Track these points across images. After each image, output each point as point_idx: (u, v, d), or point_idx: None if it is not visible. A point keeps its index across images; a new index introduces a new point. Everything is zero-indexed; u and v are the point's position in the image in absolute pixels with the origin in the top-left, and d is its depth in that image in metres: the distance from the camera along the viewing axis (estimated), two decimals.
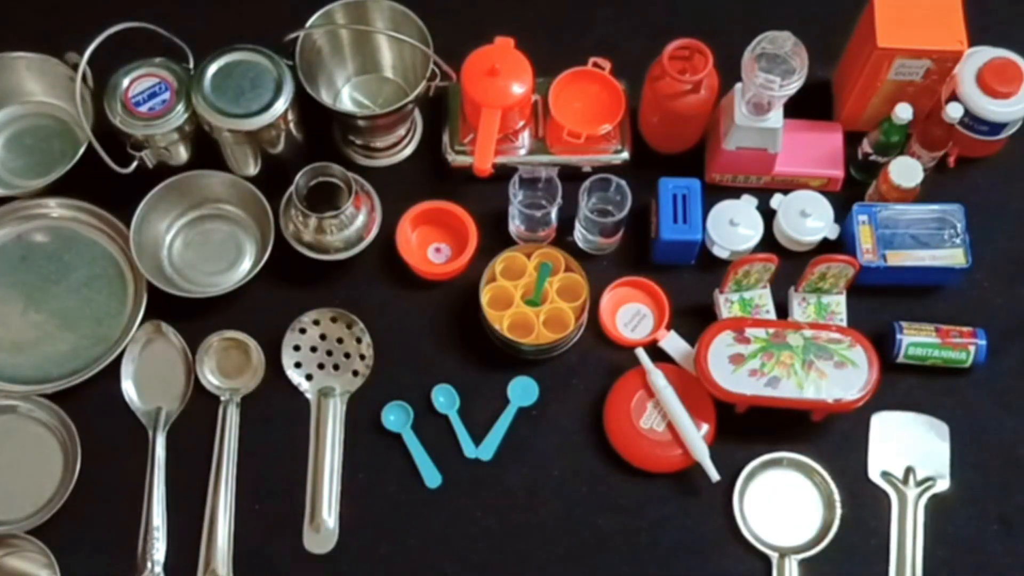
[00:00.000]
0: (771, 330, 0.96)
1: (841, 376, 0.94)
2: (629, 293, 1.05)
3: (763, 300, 1.02)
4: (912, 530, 0.96)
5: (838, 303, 1.02)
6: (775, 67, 0.95)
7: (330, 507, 0.97)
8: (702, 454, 0.95)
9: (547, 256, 1.02)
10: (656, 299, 1.04)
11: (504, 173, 1.03)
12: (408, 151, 1.11)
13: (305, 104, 1.03)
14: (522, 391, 1.01)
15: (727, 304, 1.01)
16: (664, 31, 1.02)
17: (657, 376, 0.97)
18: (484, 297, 1.00)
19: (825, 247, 1.05)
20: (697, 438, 0.95)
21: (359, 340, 1.02)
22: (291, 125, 1.03)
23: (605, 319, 1.03)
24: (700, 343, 0.96)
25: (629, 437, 0.96)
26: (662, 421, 0.96)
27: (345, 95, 1.11)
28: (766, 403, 0.94)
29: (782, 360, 0.95)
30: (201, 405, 1.01)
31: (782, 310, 1.03)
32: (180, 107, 1.00)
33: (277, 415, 1.01)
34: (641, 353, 0.98)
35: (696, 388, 0.97)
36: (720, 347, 0.95)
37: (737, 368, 0.95)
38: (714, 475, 0.94)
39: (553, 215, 1.02)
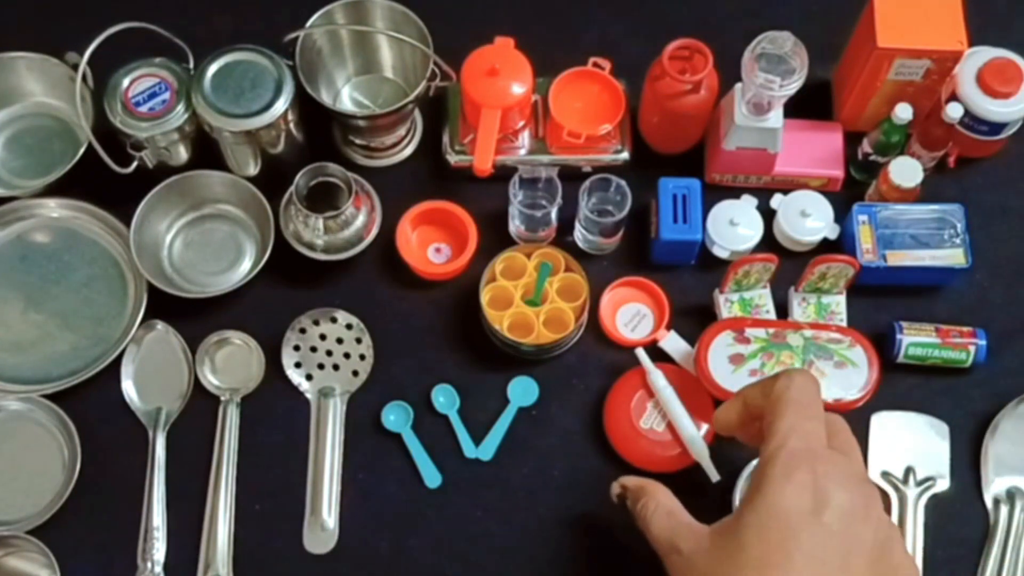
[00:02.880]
0: (771, 330, 0.96)
1: (841, 376, 0.94)
2: (629, 293, 1.05)
3: (763, 300, 1.02)
4: (912, 530, 0.96)
5: (838, 303, 1.02)
6: (775, 67, 0.95)
7: (330, 507, 0.97)
8: (702, 454, 0.95)
9: (547, 256, 1.02)
10: (656, 299, 1.04)
11: (504, 173, 1.03)
12: (408, 151, 1.11)
13: (305, 104, 1.03)
14: (522, 391, 1.01)
15: (727, 304, 1.01)
16: (664, 31, 1.02)
17: (657, 376, 0.97)
18: (484, 297, 1.00)
19: (825, 247, 1.05)
20: (697, 438, 0.95)
21: (359, 340, 1.02)
22: (291, 125, 1.03)
23: (605, 319, 1.03)
24: (700, 343, 0.96)
25: (629, 437, 0.96)
26: (662, 421, 0.96)
27: (345, 95, 1.11)
28: None
29: (782, 360, 0.95)
30: (201, 405, 1.01)
31: (782, 310, 1.03)
32: (180, 107, 1.00)
33: (277, 415, 1.01)
34: (641, 353, 0.98)
35: (696, 388, 0.97)
36: (720, 347, 0.95)
37: (737, 368, 0.95)
38: (714, 475, 0.94)
39: (553, 215, 1.02)
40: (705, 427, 0.96)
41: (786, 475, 0.69)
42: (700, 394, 0.96)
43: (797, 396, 0.73)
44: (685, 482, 0.97)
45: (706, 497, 0.97)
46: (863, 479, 0.72)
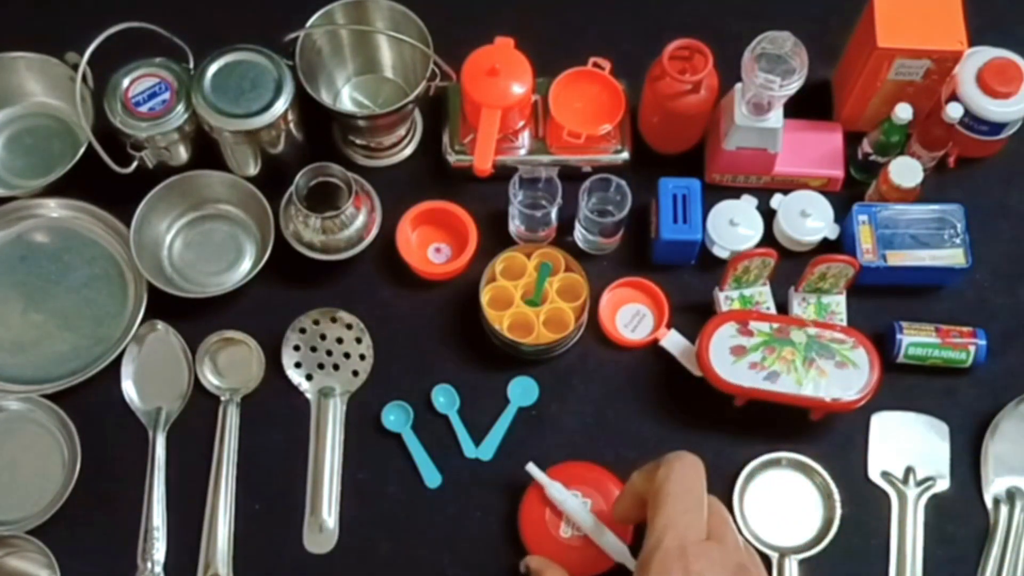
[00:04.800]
0: (775, 325, 0.96)
1: (841, 376, 0.94)
2: (629, 293, 1.05)
3: (763, 297, 1.02)
4: (912, 530, 0.96)
5: (838, 303, 1.02)
6: (775, 67, 0.95)
7: (330, 507, 0.97)
8: (624, 554, 0.90)
9: (547, 256, 1.02)
10: (656, 299, 1.04)
11: (504, 173, 1.03)
12: (408, 151, 1.11)
13: (305, 104, 1.03)
14: (522, 391, 1.01)
15: (727, 302, 1.01)
16: (664, 31, 1.02)
17: (555, 488, 0.93)
18: (484, 297, 1.00)
19: (825, 247, 1.05)
20: (613, 541, 0.91)
21: (359, 340, 1.02)
22: (291, 125, 1.03)
23: (605, 319, 1.03)
24: (703, 332, 0.96)
25: (554, 552, 0.92)
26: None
27: (345, 95, 1.11)
28: (763, 396, 0.94)
29: (783, 355, 0.94)
30: (201, 405, 1.01)
31: (783, 310, 1.03)
32: (180, 107, 1.00)
33: (277, 415, 1.01)
34: (532, 468, 0.94)
35: (598, 477, 0.94)
36: (723, 337, 0.95)
37: (738, 360, 0.94)
38: None
39: (553, 215, 1.02)
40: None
41: None
42: (607, 484, 0.93)
43: (674, 488, 0.73)
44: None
45: None
46: (738, 566, 0.71)
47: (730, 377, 0.94)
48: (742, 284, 1.01)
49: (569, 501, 0.93)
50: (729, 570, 0.70)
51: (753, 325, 0.96)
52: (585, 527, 0.92)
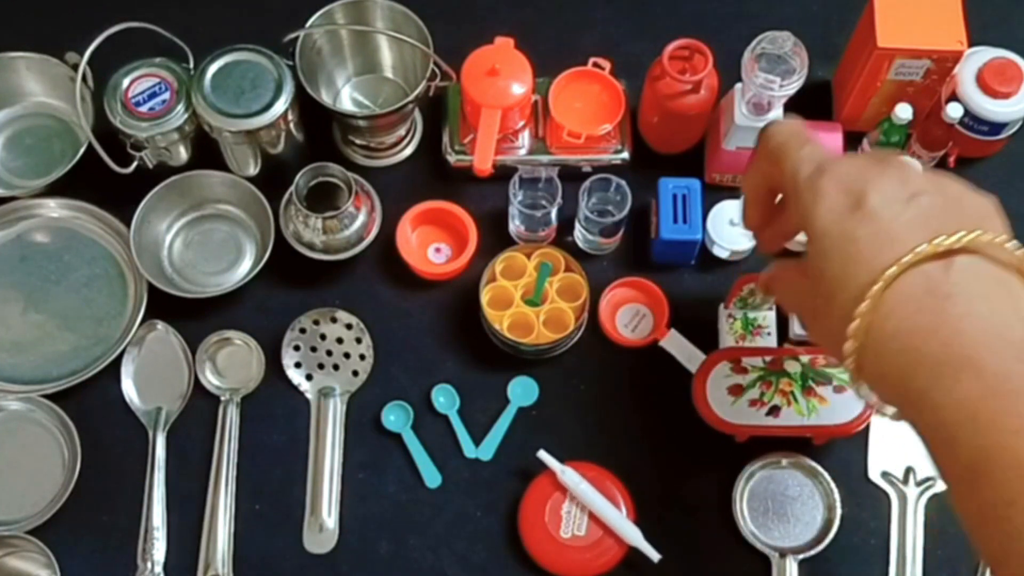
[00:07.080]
0: (768, 358, 0.95)
1: (841, 401, 0.93)
2: (629, 293, 1.05)
3: (766, 322, 1.00)
4: (912, 530, 0.96)
5: (765, 318, 1.01)
6: (775, 67, 0.95)
7: (330, 507, 0.97)
8: (637, 538, 0.93)
9: (547, 256, 1.02)
10: (656, 299, 1.04)
11: (504, 173, 1.03)
12: (408, 151, 1.11)
13: (305, 104, 1.03)
14: (522, 391, 1.01)
15: (729, 320, 1.00)
16: (664, 31, 1.02)
17: (569, 474, 0.94)
18: (484, 297, 1.00)
19: None
20: (628, 524, 0.93)
21: (359, 340, 1.02)
22: (291, 125, 1.03)
23: (605, 319, 1.03)
24: (697, 378, 0.95)
25: (555, 553, 0.93)
26: (582, 524, 0.94)
27: (345, 95, 1.11)
28: (769, 433, 0.94)
29: (781, 388, 0.94)
30: (201, 405, 1.01)
31: (783, 318, 1.02)
32: (180, 107, 1.00)
33: (277, 415, 1.01)
34: (544, 455, 0.96)
35: (600, 478, 0.95)
36: (718, 379, 0.95)
37: (736, 400, 0.94)
38: (654, 555, 0.93)
39: (553, 215, 1.02)
40: (624, 508, 0.95)
41: (814, 199, 0.67)
42: (606, 483, 0.95)
43: (778, 141, 0.73)
44: (682, 480, 0.97)
45: (705, 497, 0.97)
46: (874, 157, 0.69)
47: (733, 419, 0.94)
48: (748, 305, 1.00)
49: (582, 485, 0.94)
50: (870, 159, 0.69)
51: (746, 361, 0.95)
52: (599, 512, 0.93)
